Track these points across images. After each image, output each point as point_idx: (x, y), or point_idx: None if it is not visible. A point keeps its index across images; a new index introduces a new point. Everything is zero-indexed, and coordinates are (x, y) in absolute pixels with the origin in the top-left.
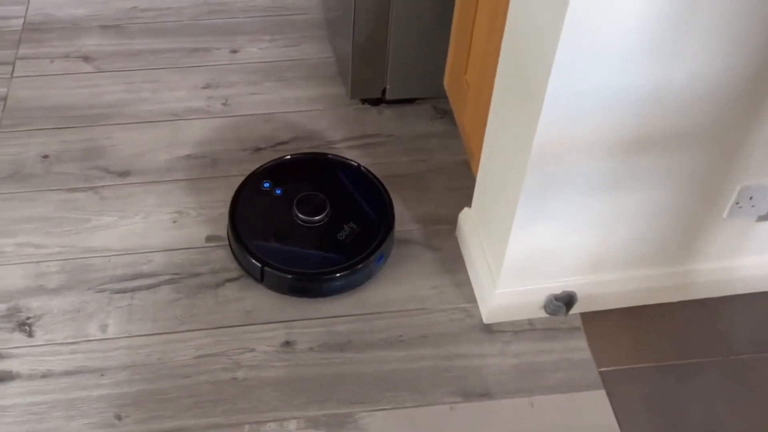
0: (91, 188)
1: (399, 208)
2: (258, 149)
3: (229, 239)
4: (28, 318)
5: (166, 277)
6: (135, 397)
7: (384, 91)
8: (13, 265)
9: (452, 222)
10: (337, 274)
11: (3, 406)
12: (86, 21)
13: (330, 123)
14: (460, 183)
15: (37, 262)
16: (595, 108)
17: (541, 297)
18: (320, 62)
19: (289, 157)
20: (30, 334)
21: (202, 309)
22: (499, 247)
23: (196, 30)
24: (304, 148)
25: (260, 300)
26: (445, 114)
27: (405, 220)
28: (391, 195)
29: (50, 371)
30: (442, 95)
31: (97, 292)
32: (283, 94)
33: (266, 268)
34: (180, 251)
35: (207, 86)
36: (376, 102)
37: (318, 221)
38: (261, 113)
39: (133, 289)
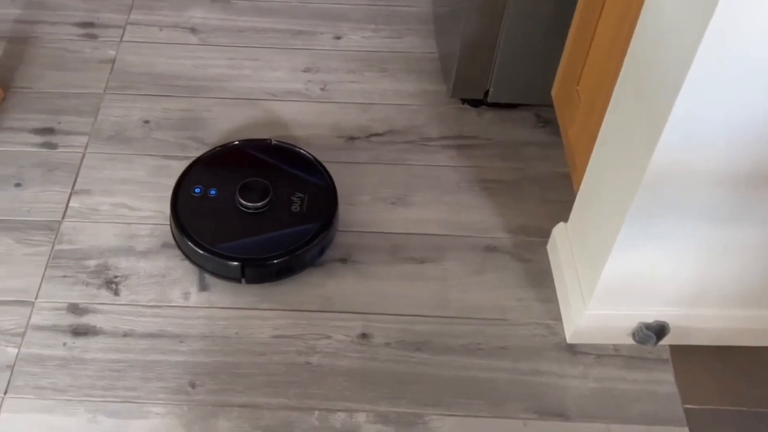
0: (186, 158)
1: (491, 215)
2: (352, 138)
3: (189, 254)
4: (116, 277)
5: None
6: (210, 368)
7: (486, 93)
8: (108, 224)
9: (544, 235)
10: (314, 242)
11: (84, 359)
12: None
13: (427, 119)
14: (557, 196)
15: (129, 223)
16: (720, 136)
17: (632, 323)
18: (423, 57)
19: (199, 157)
20: (116, 293)
21: (283, 290)
22: (595, 267)
23: (302, 12)
24: (399, 142)
25: (341, 288)
26: (548, 123)
27: (496, 227)
28: (485, 200)
29: (132, 331)
30: (547, 103)
31: (183, 259)
32: (382, 85)
33: (246, 266)
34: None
35: (307, 70)
36: (477, 103)
37: (267, 204)
38: (358, 102)
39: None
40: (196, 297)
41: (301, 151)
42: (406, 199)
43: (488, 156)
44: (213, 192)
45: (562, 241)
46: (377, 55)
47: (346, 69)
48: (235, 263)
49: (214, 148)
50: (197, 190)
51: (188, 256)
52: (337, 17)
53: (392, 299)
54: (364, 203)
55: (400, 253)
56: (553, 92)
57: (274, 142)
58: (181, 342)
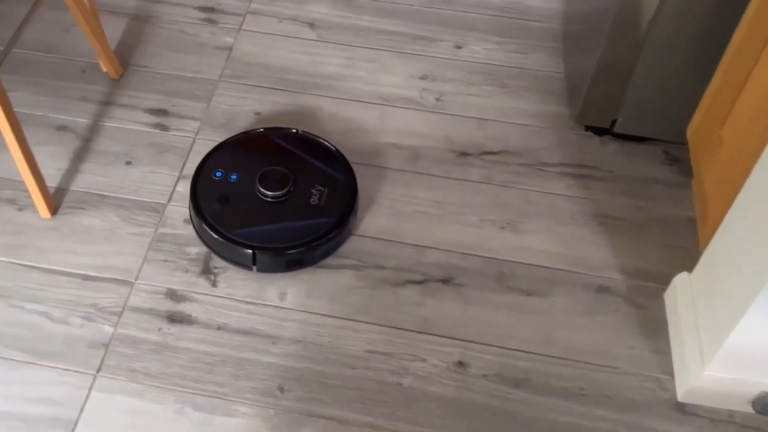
0: None
1: (606, 253)
2: (464, 154)
3: (203, 237)
4: (215, 268)
5: (351, 263)
6: (300, 374)
7: (614, 123)
8: None
9: (663, 281)
10: (327, 237)
11: (177, 347)
12: None
13: (546, 143)
14: (680, 241)
15: None
16: None
17: (753, 391)
18: (548, 76)
19: (225, 141)
20: (214, 284)
21: (380, 304)
22: (721, 329)
23: (424, 17)
24: (514, 163)
25: (440, 311)
26: (677, 162)
27: (610, 266)
28: (601, 237)
29: (226, 325)
30: (678, 140)
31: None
32: (501, 101)
33: (257, 252)
34: (368, 239)
35: (424, 77)
36: (602, 132)
37: (285, 194)
38: (474, 117)
39: (317, 266)
40: (292, 299)
41: (327, 144)
42: (517, 225)
43: (609, 189)
44: (233, 177)
45: (683, 292)
46: (499, 69)
47: (464, 80)
48: (248, 250)
49: (241, 134)
50: (218, 174)
51: (202, 239)
52: (461, 26)
53: (494, 329)
54: (472, 224)
55: (507, 281)
56: (690, 131)
57: (300, 132)
58: (273, 343)
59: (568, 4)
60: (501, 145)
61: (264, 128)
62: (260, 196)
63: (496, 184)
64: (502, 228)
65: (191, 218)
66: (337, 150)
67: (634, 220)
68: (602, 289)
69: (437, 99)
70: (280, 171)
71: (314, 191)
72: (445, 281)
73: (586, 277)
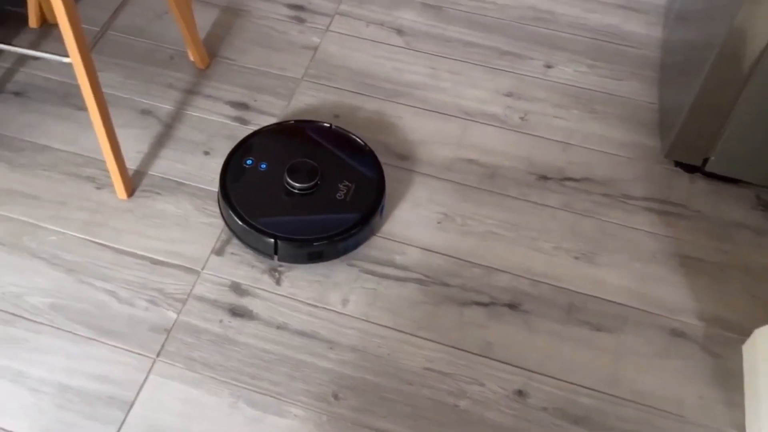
0: None
1: (684, 296)
2: (544, 177)
3: (228, 222)
4: (280, 266)
5: (416, 276)
6: (356, 383)
7: (705, 161)
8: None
9: (743, 333)
10: (351, 232)
11: (237, 341)
12: None
13: (632, 175)
14: (765, 292)
15: None
16: None
17: None
18: (640, 105)
19: (258, 130)
20: (278, 282)
21: (443, 322)
22: None
23: (516, 33)
24: (596, 192)
25: (505, 336)
26: None
27: (688, 310)
28: (680, 278)
29: (286, 324)
30: None
31: (348, 265)
32: (588, 126)
33: (279, 241)
34: (437, 255)
35: (509, 94)
36: (692, 169)
37: (312, 187)
38: (558, 140)
39: (383, 276)
40: (354, 306)
41: (359, 140)
42: (593, 256)
43: (693, 230)
44: (263, 166)
45: (764, 346)
46: (589, 93)
47: (551, 102)
48: (270, 239)
49: (275, 124)
50: (249, 162)
51: (227, 224)
52: (553, 44)
53: (558, 361)
54: (546, 251)
55: (576, 313)
56: None
57: (334, 126)
58: (331, 348)
59: (669, 32)
60: (584, 173)
61: (297, 120)
62: (288, 186)
63: (574, 212)
64: (577, 258)
65: (218, 202)
66: (368, 147)
67: (717, 265)
68: (677, 333)
69: (521, 118)
70: (309, 163)
71: (342, 186)
72: (512, 306)
73: (661, 319)
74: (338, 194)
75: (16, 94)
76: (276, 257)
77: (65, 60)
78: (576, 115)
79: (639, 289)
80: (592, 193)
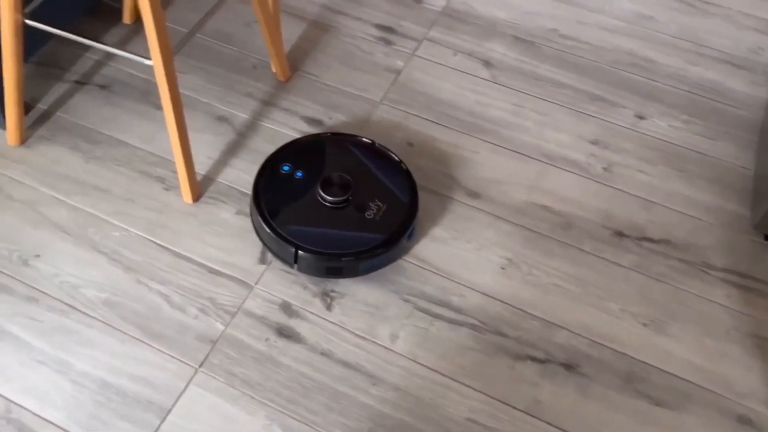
0: (436, 194)
1: (757, 380)
2: (620, 234)
3: (256, 225)
4: (333, 291)
5: (471, 321)
6: (394, 423)
7: None
8: None
9: None
10: (375, 252)
11: (280, 362)
12: (503, 26)
13: (714, 243)
14: None
15: None
16: None
17: None
18: (733, 169)
19: (302, 138)
20: (328, 308)
21: (492, 372)
22: None
23: (609, 78)
24: (674, 257)
25: (556, 397)
26: None
27: (758, 397)
28: (754, 361)
29: (330, 352)
30: None
31: (403, 300)
32: (674, 185)
33: (300, 251)
34: (496, 302)
35: (595, 142)
36: None
37: (344, 201)
38: (641, 197)
39: (436, 316)
40: (402, 344)
41: (398, 160)
42: (662, 325)
43: None
44: (299, 174)
45: None
46: (680, 150)
47: (638, 155)
48: (291, 248)
49: (319, 134)
50: (286, 168)
51: (254, 225)
52: (648, 95)
53: None
54: (612, 313)
55: (636, 383)
56: None
57: (377, 144)
58: (373, 384)
59: None
60: (663, 234)
61: (341, 133)
62: (319, 198)
63: (648, 275)
64: (645, 324)
65: (250, 205)
66: (407, 169)
67: None
68: (743, 420)
69: (604, 168)
70: (344, 177)
71: (373, 205)
72: (569, 367)
73: (728, 402)
74: (368, 213)
75: (102, 87)
76: (296, 266)
77: (147, 62)
78: (662, 172)
79: (708, 367)
80: (669, 257)
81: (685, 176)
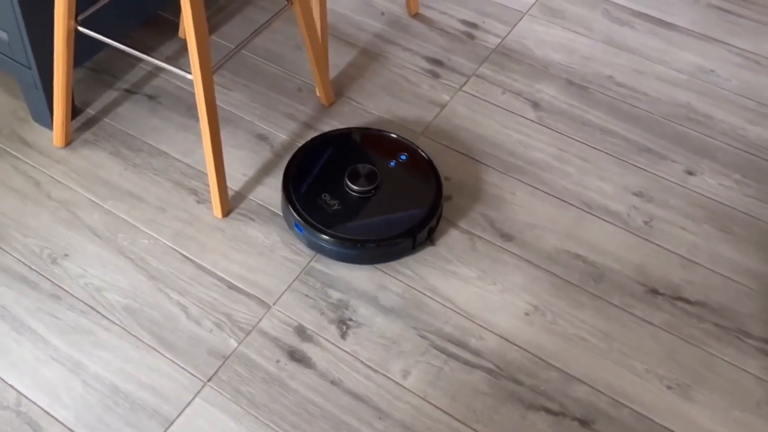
0: (467, 233)
1: None
2: (655, 291)
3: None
4: (350, 320)
5: (487, 365)
6: None
7: None
8: (365, 263)
9: None
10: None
11: (288, 386)
12: (557, 68)
13: (755, 310)
14: None
15: (385, 273)
16: None
17: None
18: None
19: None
20: (343, 336)
21: (503, 419)
22: None
23: (661, 130)
24: (709, 321)
25: None
26: None
27: None
28: None
29: (340, 381)
30: None
31: (420, 335)
32: (718, 247)
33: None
34: (515, 348)
35: (639, 194)
36: None
37: (368, 192)
38: (681, 255)
39: (452, 355)
40: (414, 381)
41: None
42: (688, 390)
43: None
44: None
45: None
46: (728, 211)
47: (683, 212)
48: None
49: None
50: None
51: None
52: (700, 151)
53: None
54: (637, 372)
55: None
56: None
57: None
58: (380, 418)
59: None
60: (701, 296)
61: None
62: (346, 187)
63: (679, 336)
64: (670, 387)
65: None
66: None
67: None
68: None
69: (646, 222)
70: (369, 169)
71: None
72: (583, 423)
73: None
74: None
75: (150, 97)
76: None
77: (188, 76)
78: (707, 232)
79: None
80: (704, 320)
81: (732, 238)
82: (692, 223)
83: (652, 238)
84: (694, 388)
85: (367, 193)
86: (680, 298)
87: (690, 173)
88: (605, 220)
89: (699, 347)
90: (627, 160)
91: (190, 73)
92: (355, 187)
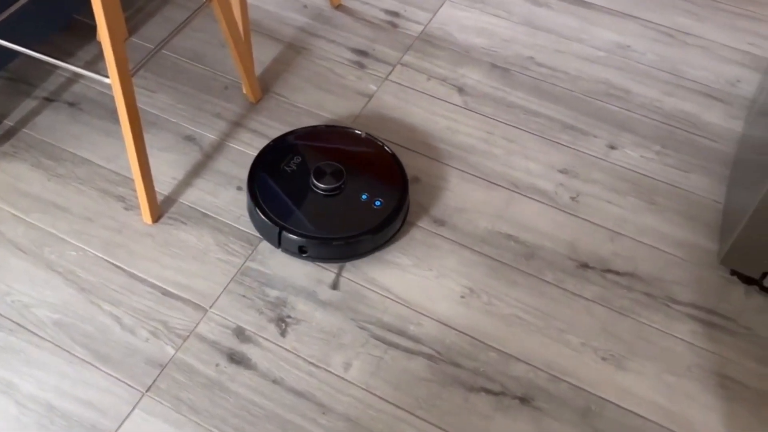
0: (401, 221)
1: (717, 422)
2: (585, 266)
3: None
4: (289, 317)
5: (427, 351)
6: None
7: (764, 275)
8: (301, 259)
9: None
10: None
11: (228, 389)
12: (479, 53)
13: (681, 277)
14: None
15: (321, 267)
16: None
17: None
18: (704, 203)
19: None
20: (283, 334)
21: (445, 404)
22: None
23: (583, 107)
24: (638, 290)
25: (508, 430)
26: None
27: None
28: (715, 401)
29: (282, 380)
30: None
31: (359, 327)
32: (643, 218)
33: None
34: (454, 332)
35: (564, 171)
36: (749, 281)
37: (335, 189)
38: (608, 228)
39: (391, 344)
40: (356, 373)
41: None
42: (622, 360)
43: (740, 349)
44: (378, 203)
45: None
46: (651, 182)
47: (608, 186)
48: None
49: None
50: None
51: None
52: (621, 125)
53: None
54: (572, 346)
55: (592, 419)
56: None
57: (365, 134)
58: (323, 413)
59: (747, 127)
60: (629, 267)
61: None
62: (312, 186)
63: (611, 308)
64: (604, 359)
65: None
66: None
67: (760, 393)
68: None
69: (572, 198)
70: (335, 166)
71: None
72: (524, 400)
73: None
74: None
75: (70, 104)
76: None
77: (106, 80)
78: (632, 204)
79: (666, 405)
80: (633, 290)
81: (655, 208)
82: (617, 196)
83: (580, 213)
84: (628, 357)
85: (333, 191)
86: (609, 271)
87: (612, 147)
88: (534, 199)
89: (630, 317)
90: (551, 139)
91: (108, 77)
92: (320, 185)
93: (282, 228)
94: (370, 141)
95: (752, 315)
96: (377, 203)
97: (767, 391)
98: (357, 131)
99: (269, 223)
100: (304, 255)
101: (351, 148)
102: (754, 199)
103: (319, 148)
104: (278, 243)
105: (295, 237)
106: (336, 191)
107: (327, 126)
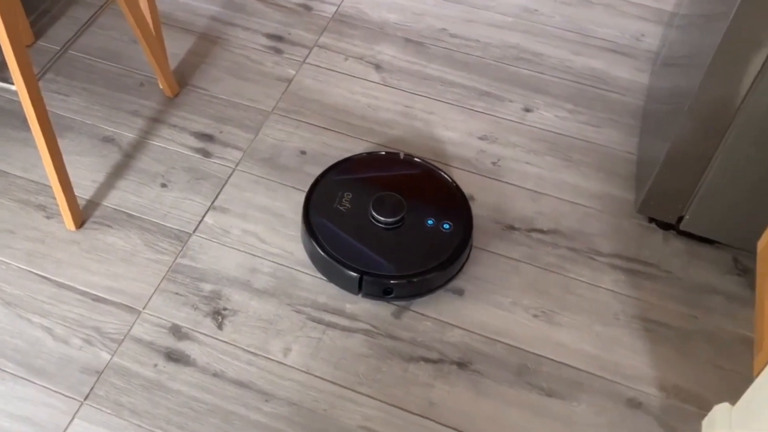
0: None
1: (645, 363)
2: (510, 227)
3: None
4: (225, 309)
5: (364, 326)
6: None
7: (680, 219)
8: (234, 250)
9: (703, 406)
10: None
11: (169, 388)
12: (393, 29)
13: (602, 229)
14: (732, 364)
15: (254, 255)
16: None
17: None
18: (618, 155)
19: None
20: (219, 326)
21: (386, 377)
22: None
23: (496, 73)
24: (563, 246)
25: (449, 397)
26: (747, 273)
27: (647, 379)
28: (643, 344)
29: (222, 372)
30: (752, 250)
31: (295, 311)
32: (562, 175)
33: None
34: (387, 305)
35: (483, 137)
36: (667, 227)
37: (395, 222)
38: (529, 189)
39: (329, 324)
40: (295, 356)
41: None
42: (552, 315)
43: (662, 292)
44: (446, 226)
45: (722, 425)
46: (566, 140)
47: (526, 147)
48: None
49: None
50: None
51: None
52: (534, 87)
53: (503, 428)
54: (503, 306)
55: (528, 376)
56: (760, 244)
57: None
58: (266, 401)
59: (654, 78)
60: (552, 224)
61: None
62: (371, 218)
63: (538, 266)
64: (536, 316)
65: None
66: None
67: (683, 331)
68: (633, 404)
69: (494, 163)
70: (395, 197)
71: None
72: (462, 365)
73: (618, 387)
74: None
75: None
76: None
77: (11, 87)
78: (550, 163)
79: (598, 353)
80: (558, 246)
81: (572, 165)
82: (535, 156)
83: (502, 177)
84: (558, 312)
85: (395, 224)
86: (534, 230)
87: (528, 110)
88: (457, 168)
89: (557, 273)
90: (469, 107)
91: (13, 84)
92: (380, 217)
93: (363, 273)
94: (410, 162)
95: (671, 258)
96: (445, 226)
97: (689, 329)
98: (394, 151)
99: (348, 271)
100: (388, 297)
101: (395, 172)
102: (664, 147)
103: (364, 179)
104: (358, 289)
105: (379, 280)
106: (400, 222)
107: (361, 155)
